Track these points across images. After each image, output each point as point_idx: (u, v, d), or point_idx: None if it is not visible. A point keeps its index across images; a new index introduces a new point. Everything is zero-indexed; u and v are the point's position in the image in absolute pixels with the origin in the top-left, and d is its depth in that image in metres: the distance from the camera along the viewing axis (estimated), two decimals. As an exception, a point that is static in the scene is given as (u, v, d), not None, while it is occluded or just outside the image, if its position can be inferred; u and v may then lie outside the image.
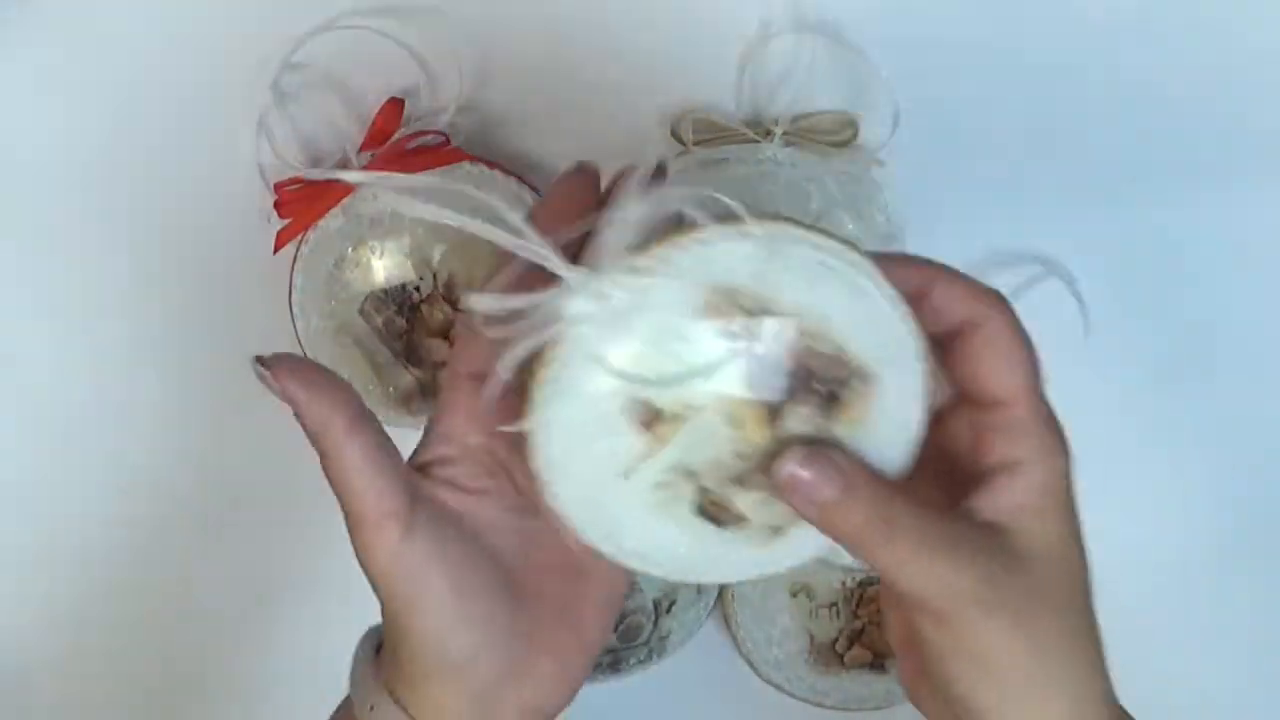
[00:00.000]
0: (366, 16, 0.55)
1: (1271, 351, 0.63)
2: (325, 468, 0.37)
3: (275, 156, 0.56)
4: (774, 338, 0.35)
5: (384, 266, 0.57)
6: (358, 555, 0.38)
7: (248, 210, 0.57)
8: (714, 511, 0.37)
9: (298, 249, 0.57)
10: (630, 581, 0.43)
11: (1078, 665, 0.39)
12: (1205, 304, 0.62)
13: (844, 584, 0.63)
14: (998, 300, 0.38)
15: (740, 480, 0.37)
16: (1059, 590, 0.39)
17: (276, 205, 0.56)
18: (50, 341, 0.60)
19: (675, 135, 0.57)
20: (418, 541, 0.37)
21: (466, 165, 0.56)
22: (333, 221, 0.56)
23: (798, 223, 0.35)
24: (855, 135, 0.57)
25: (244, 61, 0.55)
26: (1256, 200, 0.60)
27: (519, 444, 0.37)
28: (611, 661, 0.63)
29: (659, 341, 0.35)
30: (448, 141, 0.57)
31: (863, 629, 0.64)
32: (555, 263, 0.34)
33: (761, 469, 0.36)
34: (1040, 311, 0.58)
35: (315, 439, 0.37)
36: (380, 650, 0.41)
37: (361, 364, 0.58)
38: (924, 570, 0.37)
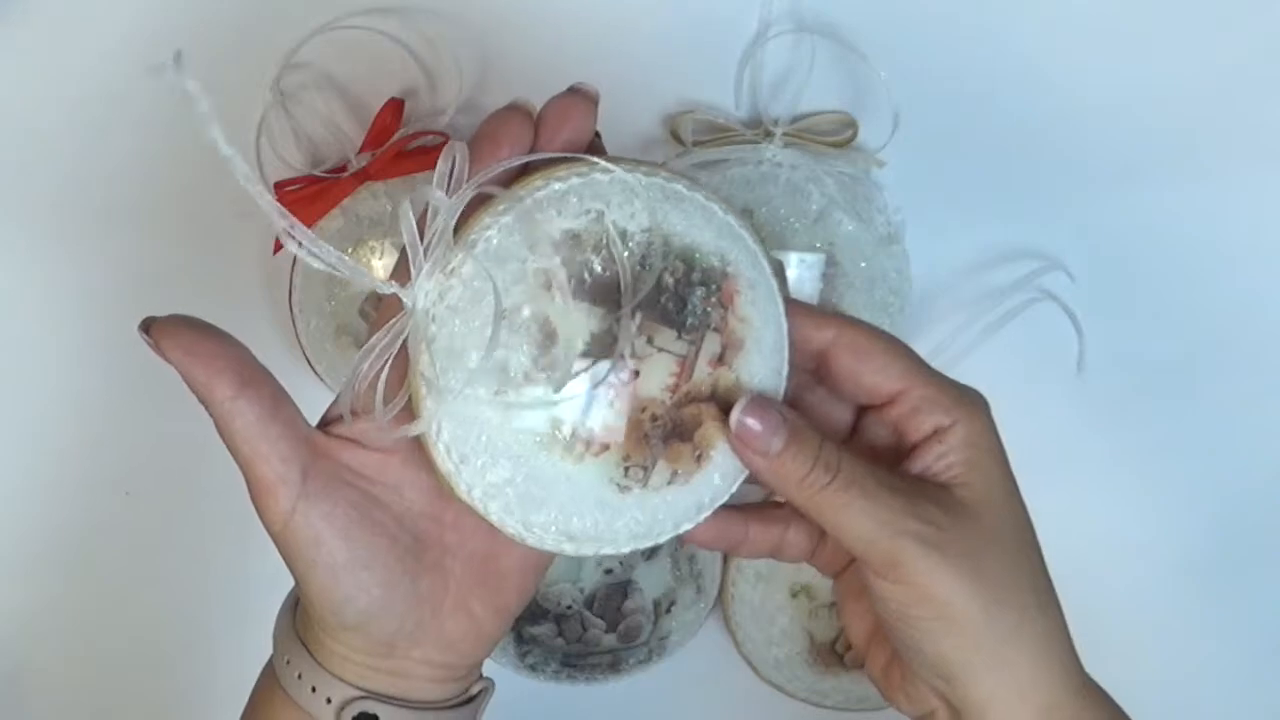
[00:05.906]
0: (366, 16, 0.55)
1: (1272, 352, 0.63)
2: (219, 432, 0.37)
3: (275, 156, 0.56)
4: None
5: (384, 266, 0.57)
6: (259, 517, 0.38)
7: (248, 210, 0.57)
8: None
9: (298, 249, 0.57)
10: None
11: (1035, 620, 0.39)
12: (1205, 305, 0.62)
13: (844, 584, 0.63)
14: (838, 316, 0.40)
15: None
16: (1003, 538, 0.39)
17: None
18: (49, 342, 0.60)
19: (675, 135, 0.57)
20: (311, 507, 0.37)
21: (466, 165, 0.56)
22: (333, 222, 0.56)
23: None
24: (855, 135, 0.57)
25: (244, 61, 0.55)
26: (1257, 197, 0.60)
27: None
28: (611, 661, 0.63)
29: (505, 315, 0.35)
30: (448, 141, 0.57)
31: (863, 629, 0.64)
32: (390, 286, 0.35)
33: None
34: (1038, 313, 0.59)
35: (204, 404, 0.37)
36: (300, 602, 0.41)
37: (361, 364, 0.58)
38: (868, 511, 0.37)
